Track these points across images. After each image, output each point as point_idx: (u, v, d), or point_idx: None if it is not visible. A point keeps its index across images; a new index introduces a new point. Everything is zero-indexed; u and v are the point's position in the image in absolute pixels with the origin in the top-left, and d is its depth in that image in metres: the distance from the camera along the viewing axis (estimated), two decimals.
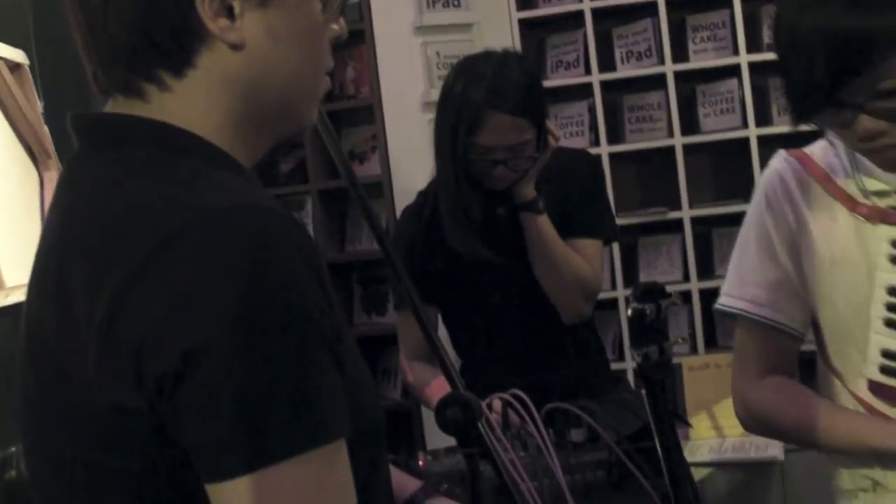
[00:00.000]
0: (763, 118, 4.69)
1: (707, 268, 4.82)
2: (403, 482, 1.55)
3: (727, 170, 4.84)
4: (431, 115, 4.30)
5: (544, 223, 2.76)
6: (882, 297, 1.75)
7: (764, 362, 2.02)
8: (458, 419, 1.37)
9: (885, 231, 1.76)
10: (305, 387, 1.03)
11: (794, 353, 2.02)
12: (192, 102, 1.15)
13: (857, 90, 1.66)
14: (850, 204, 1.85)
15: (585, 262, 2.82)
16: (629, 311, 1.92)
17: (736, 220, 4.95)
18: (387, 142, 4.59)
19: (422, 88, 4.57)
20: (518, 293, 2.83)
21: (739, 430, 3.17)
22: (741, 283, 2.00)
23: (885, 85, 1.64)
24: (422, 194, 2.92)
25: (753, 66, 4.62)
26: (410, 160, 4.36)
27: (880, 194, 1.82)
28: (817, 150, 1.94)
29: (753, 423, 2.06)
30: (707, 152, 4.84)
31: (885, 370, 1.76)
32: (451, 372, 1.46)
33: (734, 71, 4.69)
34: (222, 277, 1.01)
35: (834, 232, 1.87)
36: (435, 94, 4.28)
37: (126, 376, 1.03)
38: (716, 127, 4.75)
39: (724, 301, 2.03)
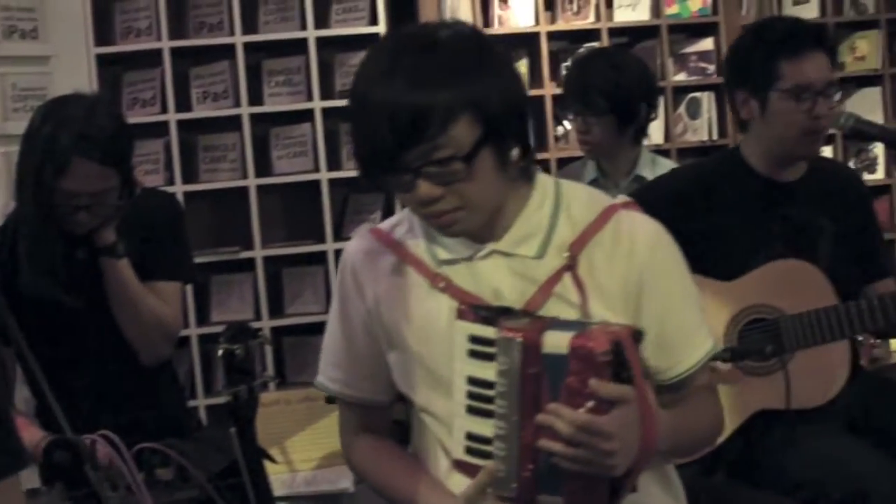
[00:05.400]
0: (334, 162, 4.89)
1: (277, 306, 4.94)
2: None
3: (299, 211, 4.99)
4: (4, 149, 4.19)
5: (124, 267, 2.76)
6: (463, 387, 1.87)
7: (354, 424, 2.14)
8: (66, 463, 1.38)
9: (462, 326, 1.87)
10: None
11: (380, 416, 2.13)
12: None
13: (418, 157, 1.78)
14: (427, 274, 1.95)
15: (165, 304, 2.85)
16: (220, 352, 1.99)
17: (307, 259, 5.14)
18: None
19: None
20: (96, 336, 2.81)
21: (310, 464, 3.30)
22: (324, 360, 2.11)
23: (440, 154, 1.78)
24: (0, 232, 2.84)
25: (326, 112, 4.80)
26: None
27: (449, 262, 1.94)
28: (398, 223, 2.04)
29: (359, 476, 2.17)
30: (279, 193, 4.98)
31: (470, 451, 1.88)
32: (58, 414, 1.48)
33: (308, 115, 4.86)
34: None
35: (410, 303, 1.97)
36: (10, 128, 4.17)
37: None
38: (289, 169, 4.90)
39: (318, 376, 2.13)
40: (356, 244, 2.05)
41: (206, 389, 4.72)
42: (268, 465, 2.97)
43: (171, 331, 2.89)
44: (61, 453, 1.40)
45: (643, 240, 1.93)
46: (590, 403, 1.73)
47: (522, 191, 1.94)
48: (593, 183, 3.62)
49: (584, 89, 3.55)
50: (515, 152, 1.87)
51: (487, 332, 1.84)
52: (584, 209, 1.95)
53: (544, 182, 1.97)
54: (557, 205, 1.95)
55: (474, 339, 1.85)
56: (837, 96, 2.79)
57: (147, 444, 2.21)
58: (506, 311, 1.87)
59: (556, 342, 1.77)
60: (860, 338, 3.41)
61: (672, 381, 1.97)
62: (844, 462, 2.54)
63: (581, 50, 4.87)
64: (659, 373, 1.96)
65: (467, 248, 1.93)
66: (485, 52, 1.85)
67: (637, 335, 1.80)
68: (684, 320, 1.97)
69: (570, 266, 1.90)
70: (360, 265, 2.02)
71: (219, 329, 2.02)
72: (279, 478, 3.00)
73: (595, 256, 1.91)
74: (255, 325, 4.66)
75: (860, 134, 2.80)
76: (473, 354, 1.86)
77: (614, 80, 3.51)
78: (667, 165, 3.65)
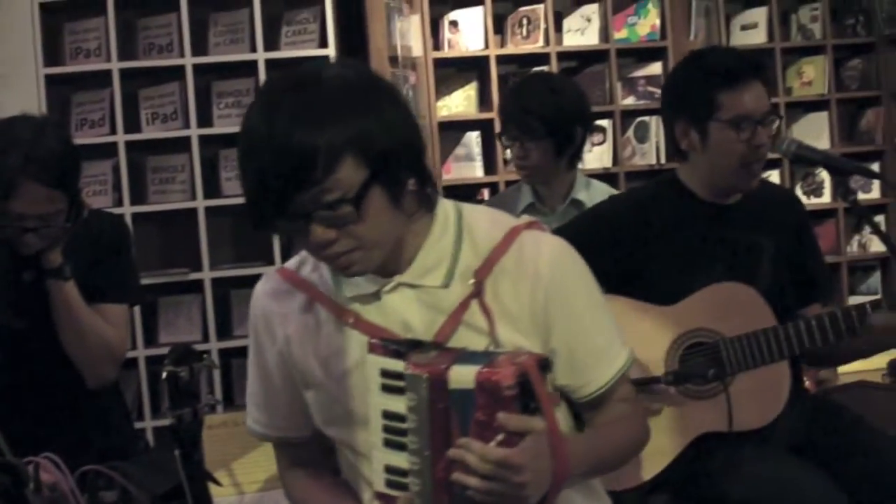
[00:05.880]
0: None
1: (226, 328, 4.92)
2: None
3: (248, 233, 4.95)
4: None
5: (70, 290, 2.74)
6: (379, 420, 1.85)
7: (285, 461, 2.16)
8: (7, 486, 1.38)
9: (374, 361, 1.85)
10: None
11: (309, 450, 2.13)
12: None
13: (307, 202, 1.75)
14: (336, 311, 1.94)
15: (111, 326, 2.84)
16: (164, 375, 1.99)
17: (255, 282, 5.11)
18: None
19: None
20: (42, 357, 2.80)
21: (257, 485, 3.29)
22: (248, 403, 2.12)
23: (328, 197, 1.74)
24: None
25: None
26: None
27: (357, 298, 1.92)
28: (303, 261, 2.02)
29: None
30: (229, 215, 4.96)
31: (390, 483, 1.87)
32: None
33: None
34: None
35: (321, 341, 1.96)
36: None
37: None
38: (238, 191, 4.86)
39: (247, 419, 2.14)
40: (263, 287, 2.05)
41: (154, 411, 4.69)
42: (215, 487, 2.98)
43: (117, 353, 2.88)
44: (1, 476, 1.39)
45: (546, 260, 1.91)
46: (499, 436, 1.74)
47: (424, 220, 1.92)
48: (529, 208, 3.64)
49: (521, 114, 3.58)
50: (412, 183, 1.84)
51: (398, 365, 1.83)
52: (486, 234, 1.94)
53: (446, 209, 1.96)
54: (460, 231, 1.94)
55: (386, 374, 1.84)
56: (776, 124, 2.83)
57: (91, 467, 2.20)
58: (416, 344, 1.86)
59: (463, 377, 1.77)
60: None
61: (588, 398, 1.98)
62: (788, 484, 2.56)
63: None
64: (574, 391, 1.97)
65: (373, 283, 1.92)
66: (367, 90, 1.81)
67: (544, 363, 1.80)
68: (594, 338, 1.98)
69: (477, 293, 1.89)
70: (270, 307, 2.02)
71: (167, 351, 2.02)
72: (226, 500, 3.00)
73: (500, 281, 1.91)
74: (203, 346, 4.67)
75: (803, 160, 2.84)
76: (386, 388, 1.85)
77: (552, 104, 3.54)
78: (601, 189, 3.68)
